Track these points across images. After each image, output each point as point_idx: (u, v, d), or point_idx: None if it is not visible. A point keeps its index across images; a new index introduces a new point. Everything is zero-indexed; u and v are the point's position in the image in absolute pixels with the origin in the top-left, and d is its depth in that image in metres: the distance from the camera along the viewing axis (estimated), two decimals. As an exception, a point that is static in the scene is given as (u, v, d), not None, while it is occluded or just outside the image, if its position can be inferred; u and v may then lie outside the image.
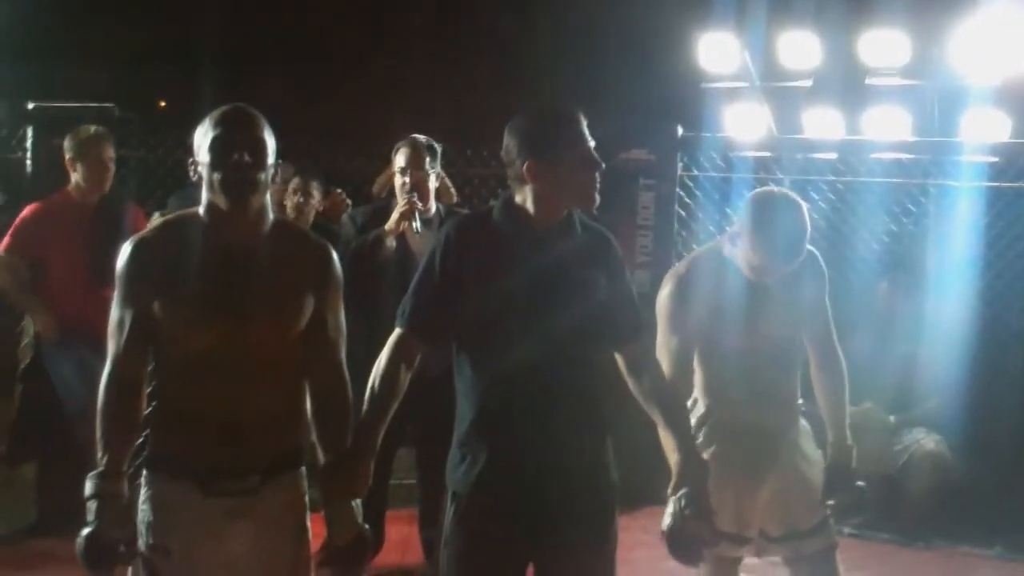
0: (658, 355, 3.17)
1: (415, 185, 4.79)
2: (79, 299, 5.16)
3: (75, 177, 5.35)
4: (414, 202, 4.73)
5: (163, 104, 10.05)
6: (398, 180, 4.85)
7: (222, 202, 2.68)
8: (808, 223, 3.31)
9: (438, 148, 4.97)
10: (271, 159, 2.73)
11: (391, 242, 4.73)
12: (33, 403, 5.60)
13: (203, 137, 2.69)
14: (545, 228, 2.84)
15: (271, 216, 2.80)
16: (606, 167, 2.87)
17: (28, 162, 5.84)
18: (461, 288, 2.79)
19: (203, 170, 2.70)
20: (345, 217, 5.21)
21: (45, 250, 5.28)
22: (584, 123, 2.84)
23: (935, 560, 5.59)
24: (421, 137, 4.91)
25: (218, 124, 2.67)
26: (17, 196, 5.58)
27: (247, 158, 2.66)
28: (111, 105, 5.90)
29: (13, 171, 5.69)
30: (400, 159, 4.85)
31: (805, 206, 3.34)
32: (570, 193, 2.83)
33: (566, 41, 7.90)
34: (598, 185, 2.83)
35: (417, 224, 4.70)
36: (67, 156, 5.34)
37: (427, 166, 4.85)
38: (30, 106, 5.83)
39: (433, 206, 4.92)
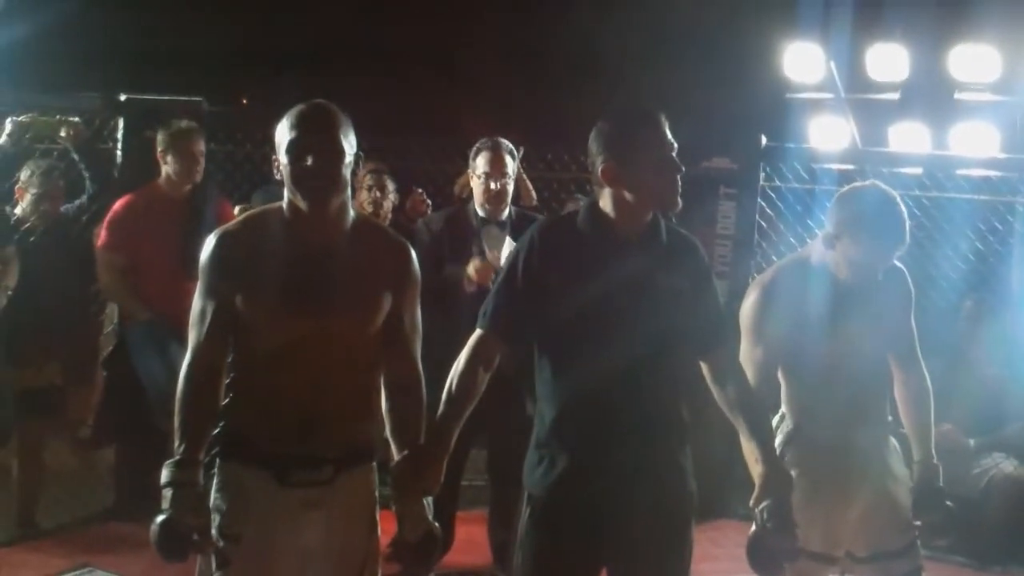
0: (742, 365, 3.13)
1: (498, 193, 4.77)
2: (167, 289, 5.25)
3: (166, 169, 5.45)
4: (488, 273, 4.59)
5: (245, 101, 10.19)
6: (479, 185, 4.83)
7: (301, 204, 2.72)
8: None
9: (517, 152, 4.95)
10: (349, 158, 2.75)
11: (470, 286, 4.63)
12: (116, 389, 5.71)
13: (282, 137, 2.72)
14: (629, 233, 2.83)
15: (352, 213, 2.83)
16: (687, 175, 2.84)
17: (118, 153, 5.94)
18: (543, 291, 2.79)
19: (283, 169, 2.74)
20: (420, 223, 5.17)
21: (136, 242, 5.38)
22: (666, 125, 2.82)
23: (1009, 584, 5.48)
24: (502, 140, 4.88)
25: (295, 126, 2.69)
26: (107, 186, 5.67)
27: (324, 162, 2.68)
28: (200, 99, 5.99)
29: (104, 162, 5.78)
30: (481, 163, 4.82)
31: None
32: (649, 196, 2.81)
33: (651, 46, 7.88)
34: (679, 188, 2.81)
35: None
36: (159, 148, 5.45)
37: (509, 171, 4.83)
38: (121, 98, 5.93)
39: (507, 209, 4.89)
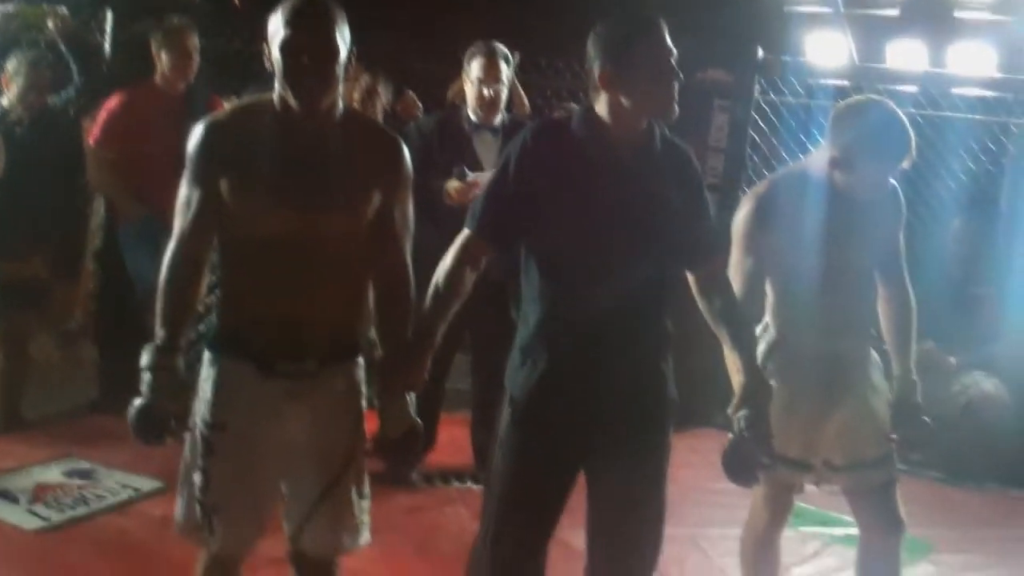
0: (731, 275, 3.14)
1: (491, 99, 4.73)
2: (161, 187, 5.19)
3: (160, 67, 5.40)
4: (475, 184, 4.50)
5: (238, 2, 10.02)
6: (472, 90, 4.78)
7: (292, 101, 2.68)
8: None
9: (512, 57, 4.89)
10: (343, 56, 2.70)
11: (449, 202, 4.55)
12: (104, 283, 5.71)
13: (275, 31, 2.66)
14: (623, 140, 2.80)
15: (342, 107, 2.78)
16: (682, 86, 2.81)
17: (107, 46, 5.87)
18: (533, 194, 2.77)
19: (275, 65, 2.68)
20: (412, 126, 5.12)
21: (131, 139, 5.34)
22: (666, 32, 2.77)
23: (986, 502, 5.56)
24: (498, 45, 4.83)
25: (290, 23, 2.63)
26: (95, 80, 5.60)
27: (319, 61, 2.64)
28: (191, -8, 5.92)
29: (92, 55, 5.71)
30: (476, 68, 4.77)
31: None
32: (645, 102, 2.77)
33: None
34: (676, 97, 2.77)
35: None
36: (152, 46, 5.39)
37: (503, 77, 4.78)
38: (110, -9, 5.86)
39: (500, 116, 4.85)
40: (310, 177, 2.70)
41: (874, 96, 3.42)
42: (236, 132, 2.74)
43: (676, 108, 2.79)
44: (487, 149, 4.76)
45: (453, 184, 4.61)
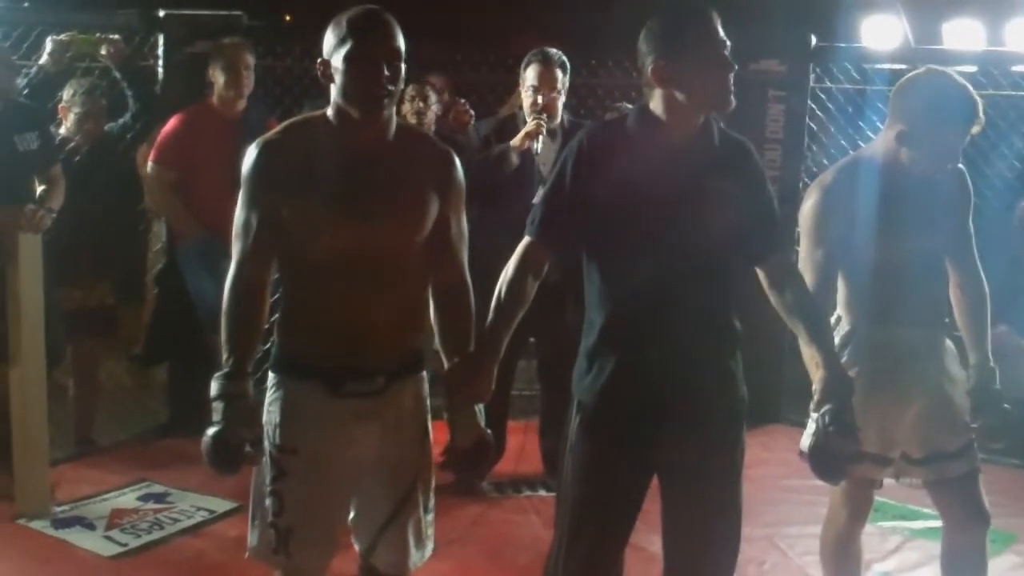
0: (801, 268, 3.09)
1: (546, 106, 4.75)
2: (218, 207, 5.24)
3: (216, 87, 5.45)
4: (542, 122, 4.69)
5: (288, 18, 10.10)
6: (528, 97, 4.80)
7: (355, 112, 2.66)
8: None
9: (568, 64, 4.89)
10: (403, 67, 2.69)
11: (515, 158, 4.71)
12: (167, 307, 5.76)
13: (337, 43, 2.64)
14: (681, 136, 2.76)
15: (395, 120, 2.78)
16: (736, 78, 2.76)
17: (160, 70, 5.93)
18: (593, 198, 2.74)
19: (336, 76, 2.66)
20: (471, 128, 5.19)
21: (189, 160, 5.39)
22: (718, 23, 2.73)
23: (1066, 487, 5.43)
24: (553, 52, 4.83)
25: (353, 33, 2.62)
26: (150, 104, 5.66)
27: (384, 71, 2.63)
28: (240, 13, 5.95)
29: (145, 79, 5.77)
30: (531, 76, 4.80)
31: None
32: (701, 96, 2.73)
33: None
34: (732, 88, 2.72)
35: (538, 145, 4.70)
36: (209, 65, 5.44)
37: (559, 85, 4.80)
38: (160, 14, 5.90)
39: (559, 118, 4.86)
40: (367, 191, 2.69)
41: (930, 66, 3.35)
42: (290, 150, 2.72)
43: (732, 100, 2.74)
44: (547, 151, 4.78)
45: (519, 136, 4.74)
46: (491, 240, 4.26)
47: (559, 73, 4.79)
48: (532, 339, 4.96)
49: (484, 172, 4.61)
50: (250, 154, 2.74)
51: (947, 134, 3.17)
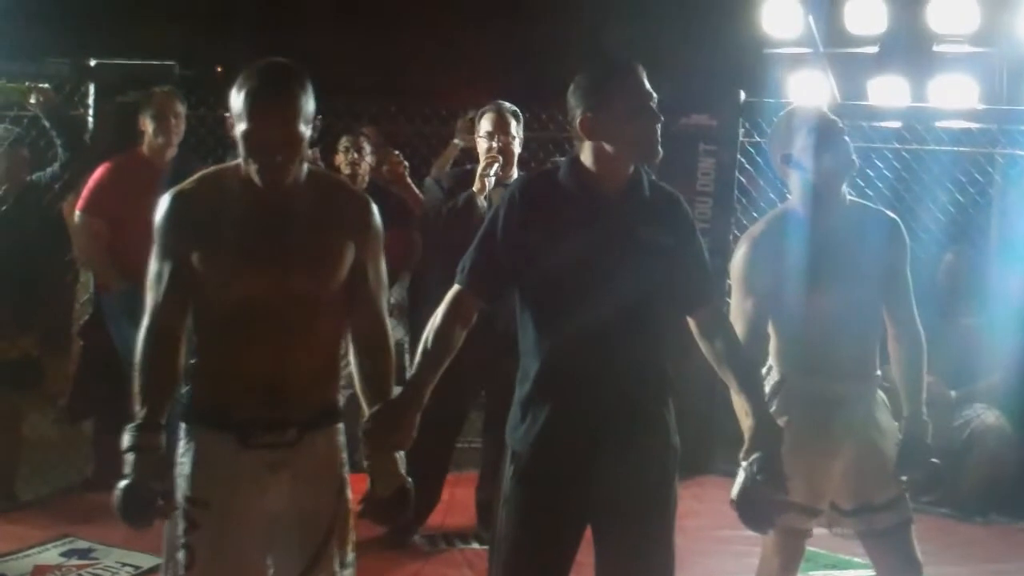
0: (732, 319, 3.11)
1: (502, 151, 4.79)
2: (145, 257, 5.20)
3: (147, 135, 5.40)
4: (496, 157, 4.73)
5: (220, 70, 10.11)
6: (483, 144, 4.84)
7: (255, 176, 2.65)
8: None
9: (521, 115, 4.94)
10: (305, 141, 2.67)
11: (482, 202, 4.67)
12: (93, 359, 5.66)
13: (237, 113, 2.62)
14: (611, 187, 2.79)
15: (305, 167, 2.75)
16: (666, 131, 2.80)
17: (89, 119, 5.88)
18: (524, 247, 2.76)
19: (238, 137, 2.63)
20: (429, 181, 5.19)
21: (117, 209, 5.32)
22: (643, 75, 2.77)
23: (993, 536, 5.51)
24: (506, 104, 4.90)
25: (251, 113, 2.58)
26: (79, 153, 5.60)
27: (279, 157, 2.62)
28: (172, 63, 5.93)
29: (75, 128, 5.71)
30: (486, 124, 4.85)
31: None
32: (627, 146, 2.76)
33: (627, 3, 7.82)
34: (658, 138, 2.76)
35: (492, 179, 4.70)
36: (140, 114, 5.39)
37: (513, 131, 4.84)
38: (92, 63, 5.86)
39: (515, 172, 4.88)
40: (279, 239, 2.67)
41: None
42: (202, 200, 2.71)
43: (659, 150, 2.77)
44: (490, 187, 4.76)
45: (477, 178, 4.71)
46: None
47: (513, 121, 4.85)
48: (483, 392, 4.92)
49: (454, 223, 4.60)
50: (162, 204, 2.73)
51: (819, 137, 3.26)
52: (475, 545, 4.92)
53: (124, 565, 4.60)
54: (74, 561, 4.66)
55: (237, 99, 2.62)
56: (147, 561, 4.58)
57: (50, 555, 4.71)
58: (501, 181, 4.76)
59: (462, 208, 4.66)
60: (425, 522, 4.88)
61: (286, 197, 2.69)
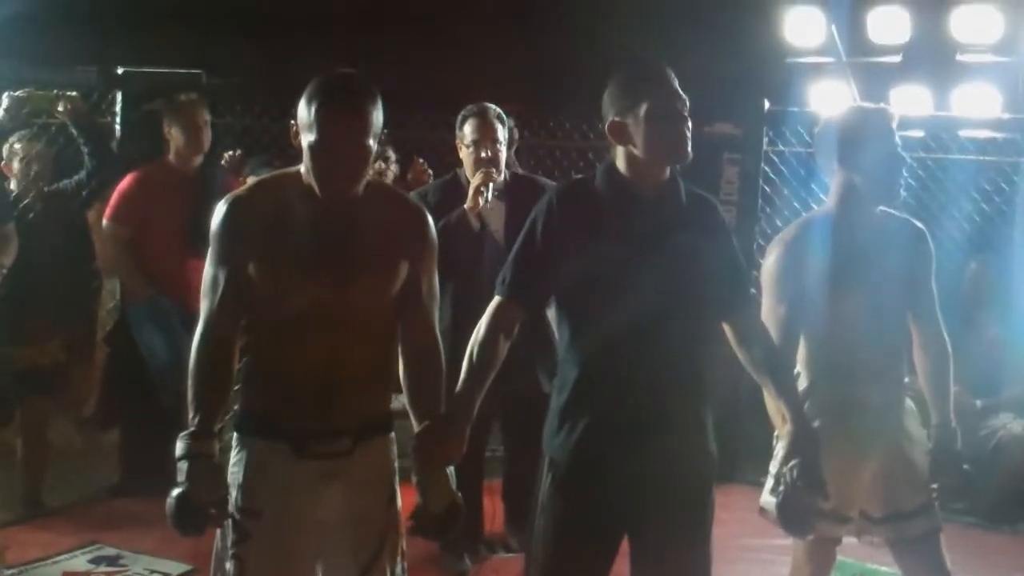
0: (764, 324, 3.11)
1: (491, 159, 4.55)
2: (172, 265, 5.25)
3: (173, 144, 5.43)
4: (491, 173, 4.49)
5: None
6: (469, 154, 4.60)
7: (321, 194, 2.63)
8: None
9: (505, 116, 4.71)
10: (375, 145, 2.65)
11: (475, 221, 4.50)
12: (119, 366, 5.68)
13: (306, 123, 2.60)
14: (647, 191, 2.80)
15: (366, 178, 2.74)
16: (691, 131, 2.80)
17: (117, 127, 5.90)
18: (563, 255, 2.76)
19: (305, 151, 2.63)
20: (415, 195, 5.05)
21: (145, 217, 5.36)
22: (672, 77, 2.77)
23: (1019, 545, 5.49)
24: (489, 105, 4.66)
25: (322, 125, 2.57)
26: (106, 161, 5.62)
27: (347, 170, 2.61)
28: (199, 72, 5.95)
29: (102, 136, 5.74)
30: (469, 131, 4.60)
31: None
32: (655, 148, 2.75)
33: (651, 10, 7.82)
34: (687, 139, 2.75)
35: (488, 195, 4.47)
36: (164, 123, 5.42)
37: (500, 136, 4.61)
38: (119, 71, 5.89)
39: (503, 172, 4.66)
40: (337, 251, 2.66)
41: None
42: (261, 208, 2.69)
43: (689, 151, 2.76)
44: (492, 211, 4.57)
45: (469, 196, 4.48)
46: (455, 313, 4.16)
47: (498, 125, 4.62)
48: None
49: (446, 241, 4.35)
50: (219, 210, 2.70)
51: (875, 143, 3.24)
52: (502, 553, 4.92)
53: (153, 572, 4.60)
54: (102, 568, 4.67)
55: (306, 110, 2.60)
56: (176, 568, 4.59)
57: (78, 562, 4.72)
58: (492, 185, 4.53)
59: (455, 226, 4.46)
60: (483, 536, 4.91)
61: (345, 208, 2.67)
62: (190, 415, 2.66)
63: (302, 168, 2.69)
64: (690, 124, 2.77)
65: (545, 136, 6.87)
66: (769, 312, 3.23)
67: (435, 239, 2.85)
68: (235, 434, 2.79)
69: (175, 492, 2.59)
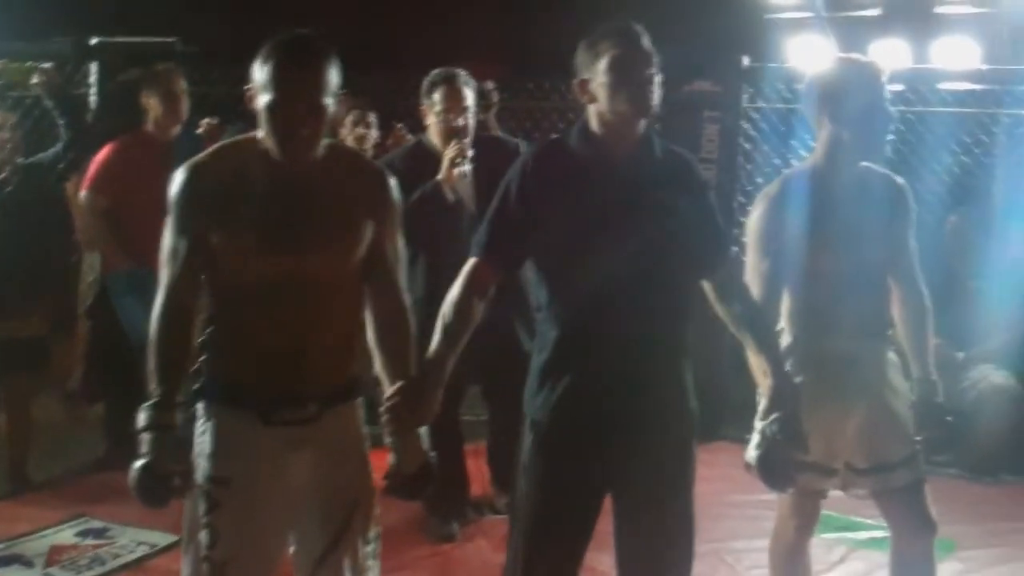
0: (748, 280, 3.11)
1: (462, 129, 4.49)
2: (151, 236, 5.19)
3: (152, 113, 5.39)
4: (463, 146, 4.43)
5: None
6: (439, 122, 4.51)
7: (278, 155, 2.60)
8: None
9: (472, 82, 4.63)
10: (333, 103, 2.61)
11: (449, 193, 4.44)
12: (101, 339, 5.67)
13: (261, 84, 2.55)
14: (620, 150, 2.79)
15: (324, 141, 2.69)
16: (670, 99, 2.80)
17: (92, 98, 5.86)
18: (538, 215, 2.75)
19: (259, 112, 2.57)
20: (382, 163, 5.00)
21: (124, 187, 5.32)
22: (637, 36, 2.75)
23: (1002, 495, 5.54)
24: (456, 71, 4.58)
25: (275, 84, 2.52)
26: (82, 132, 5.59)
27: (304, 130, 2.56)
28: (173, 40, 5.91)
29: (78, 107, 5.69)
30: (438, 99, 4.51)
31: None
32: (615, 102, 2.73)
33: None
34: (648, 92, 2.73)
35: (465, 167, 4.41)
36: (142, 92, 5.38)
37: (468, 103, 4.55)
38: (93, 41, 5.84)
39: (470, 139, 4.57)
40: (299, 216, 2.62)
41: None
42: (220, 175, 2.65)
43: (651, 105, 2.75)
44: (460, 180, 4.47)
45: (443, 167, 4.41)
46: (429, 284, 4.14)
47: (467, 91, 4.55)
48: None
49: (420, 214, 4.24)
50: (177, 177, 2.66)
51: (863, 95, 3.20)
52: (488, 515, 4.94)
53: (140, 544, 4.62)
54: (90, 540, 4.67)
55: (261, 70, 2.56)
56: (163, 539, 4.60)
57: (65, 535, 4.73)
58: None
59: (428, 197, 4.40)
60: (469, 500, 4.93)
61: (305, 172, 2.64)
62: (152, 385, 2.62)
63: (259, 133, 2.64)
64: (656, 79, 2.75)
65: (525, 97, 6.84)
66: (753, 267, 3.22)
67: (398, 200, 2.80)
68: (201, 404, 2.76)
69: (138, 463, 2.57)
